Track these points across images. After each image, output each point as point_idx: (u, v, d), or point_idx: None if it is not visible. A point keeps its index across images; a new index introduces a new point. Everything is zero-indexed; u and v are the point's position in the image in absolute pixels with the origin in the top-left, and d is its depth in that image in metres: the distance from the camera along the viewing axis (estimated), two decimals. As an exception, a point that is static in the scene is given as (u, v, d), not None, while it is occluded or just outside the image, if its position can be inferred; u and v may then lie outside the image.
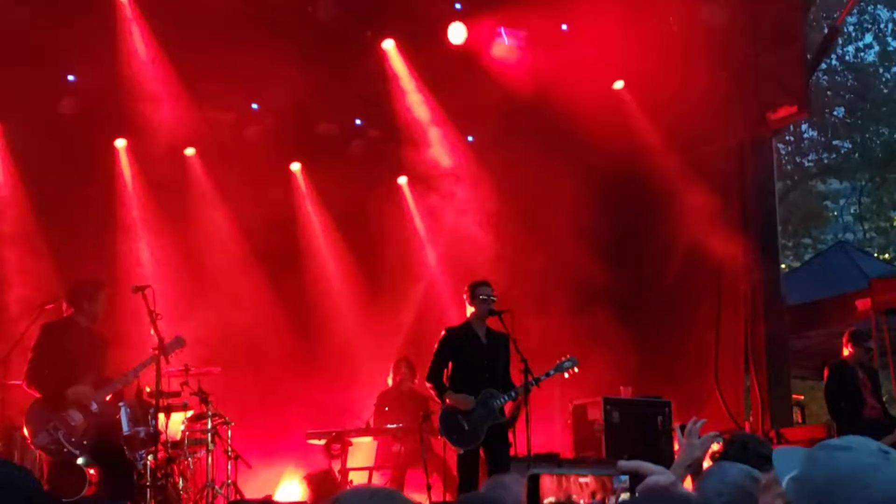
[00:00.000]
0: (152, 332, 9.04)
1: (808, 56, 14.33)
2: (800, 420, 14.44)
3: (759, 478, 3.47)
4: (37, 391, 9.01)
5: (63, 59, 12.22)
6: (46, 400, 8.98)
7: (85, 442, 8.95)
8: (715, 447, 4.07)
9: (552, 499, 2.24)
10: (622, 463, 2.20)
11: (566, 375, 10.34)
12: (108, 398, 9.28)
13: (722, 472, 3.62)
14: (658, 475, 2.24)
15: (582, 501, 2.24)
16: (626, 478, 2.17)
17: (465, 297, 10.20)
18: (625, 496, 2.21)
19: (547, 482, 2.20)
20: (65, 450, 8.90)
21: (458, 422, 9.82)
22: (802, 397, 15.36)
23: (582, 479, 2.23)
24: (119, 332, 10.64)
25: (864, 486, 2.16)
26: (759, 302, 13.73)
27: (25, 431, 9.08)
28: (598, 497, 2.24)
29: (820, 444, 2.38)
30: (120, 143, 13.54)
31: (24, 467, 2.42)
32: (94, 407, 9.02)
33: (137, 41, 12.33)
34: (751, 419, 13.61)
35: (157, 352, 9.09)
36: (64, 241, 12.00)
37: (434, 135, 14.06)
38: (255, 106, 13.74)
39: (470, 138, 14.59)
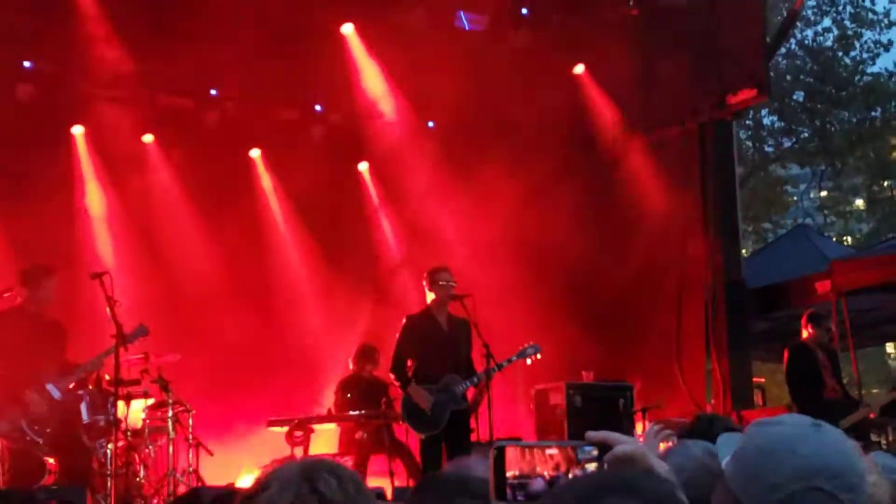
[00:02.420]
0: (111, 318, 8.93)
1: (768, 39, 14.39)
2: (761, 402, 14.55)
3: (717, 453, 3.48)
4: None
5: (19, 46, 12.08)
6: (3, 394, 8.87)
7: (48, 430, 8.86)
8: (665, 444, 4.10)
9: (516, 471, 2.21)
10: (590, 434, 2.19)
11: (528, 362, 10.34)
12: (70, 386, 9.16)
13: (684, 449, 3.63)
14: (626, 444, 2.23)
15: (546, 473, 2.22)
16: (591, 448, 2.16)
17: (424, 283, 10.16)
18: (591, 466, 2.19)
19: (511, 455, 2.18)
20: (27, 437, 8.80)
21: (420, 408, 9.80)
22: (763, 380, 15.48)
23: (548, 451, 2.20)
24: (77, 319, 10.54)
25: (792, 453, 2.17)
26: (721, 285, 13.80)
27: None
28: (563, 469, 2.22)
29: (754, 421, 2.38)
30: (77, 130, 13.41)
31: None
32: (57, 395, 8.92)
33: (93, 26, 12.19)
34: (712, 402, 13.69)
35: (116, 339, 8.99)
36: (21, 228, 11.87)
37: (394, 120, 14.01)
38: (213, 92, 13.64)
39: (430, 124, 14.56)
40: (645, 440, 4.02)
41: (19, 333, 8.98)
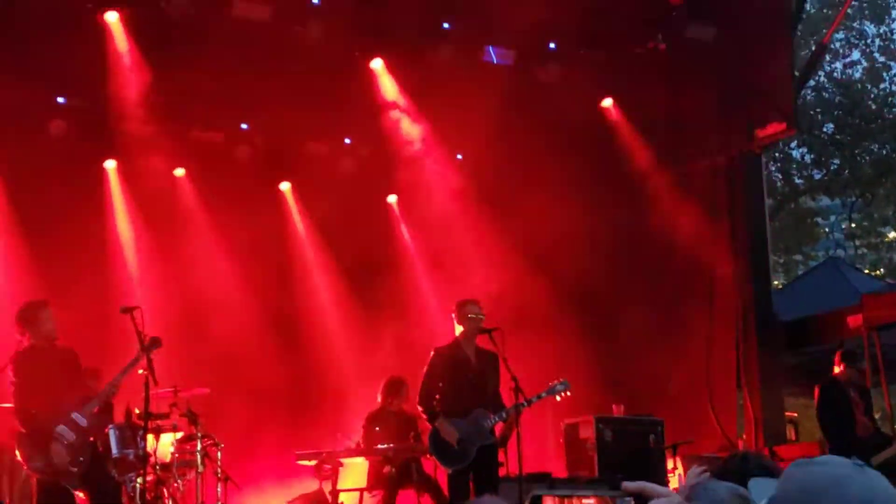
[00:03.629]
0: (141, 352, 8.93)
1: (796, 73, 14.38)
2: (793, 437, 14.43)
3: (747, 496, 3.43)
4: (23, 428, 8.90)
5: (53, 81, 12.21)
6: (34, 436, 8.86)
7: (81, 458, 8.85)
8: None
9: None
10: (626, 484, 2.17)
11: (558, 399, 10.30)
12: (95, 410, 9.13)
13: (710, 490, 3.56)
14: (663, 497, 2.21)
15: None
16: (629, 499, 2.14)
17: (453, 315, 10.16)
18: None
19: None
20: (60, 470, 8.80)
21: (448, 442, 9.78)
22: (796, 414, 15.35)
23: (586, 501, 2.19)
24: (108, 352, 10.57)
25: (839, 496, 2.16)
26: (751, 319, 13.73)
27: (19, 456, 8.96)
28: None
29: (795, 461, 2.37)
30: (109, 165, 13.53)
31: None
32: (83, 422, 8.91)
33: (126, 63, 12.31)
34: (744, 437, 13.58)
35: (139, 364, 8.95)
36: (54, 263, 11.95)
37: (423, 153, 14.06)
38: (244, 126, 13.74)
39: (459, 156, 14.60)
40: (686, 482, 3.98)
41: (37, 371, 8.97)
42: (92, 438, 9.06)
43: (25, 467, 8.96)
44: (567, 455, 12.12)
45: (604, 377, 13.08)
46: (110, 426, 9.64)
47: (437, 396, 9.98)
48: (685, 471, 11.52)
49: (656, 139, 13.97)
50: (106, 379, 9.46)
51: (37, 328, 9.11)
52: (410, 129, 13.87)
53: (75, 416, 8.87)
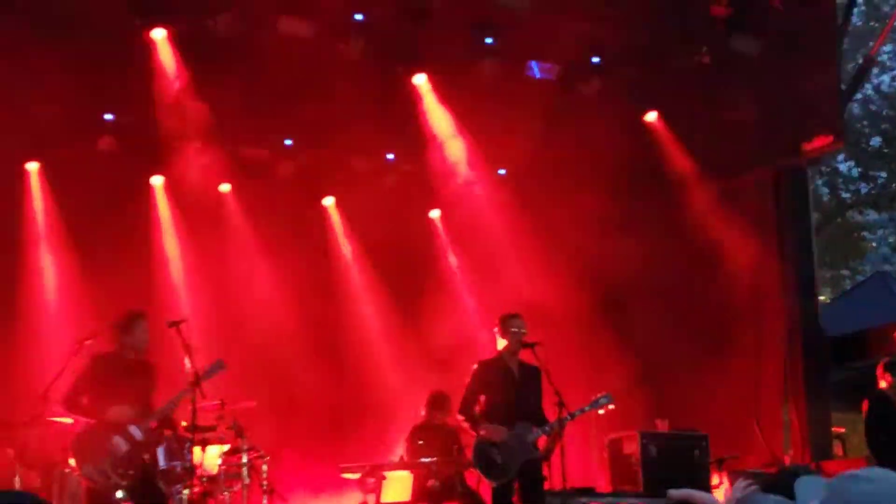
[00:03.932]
0: (188, 365, 9.02)
1: (843, 85, 14.27)
2: (841, 453, 14.28)
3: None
4: (73, 415, 9.02)
5: (101, 98, 12.36)
6: (90, 436, 8.96)
7: (130, 472, 8.91)
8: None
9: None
10: (672, 492, 2.19)
11: (601, 412, 10.27)
12: (152, 425, 9.20)
13: (757, 503, 3.55)
14: None
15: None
16: None
17: (496, 329, 10.17)
18: None
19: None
20: (111, 480, 8.87)
21: (492, 455, 9.79)
22: (844, 430, 15.19)
23: None
24: (155, 365, 10.67)
25: None
26: (798, 334, 13.63)
27: (72, 461, 9.05)
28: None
29: (840, 475, 2.36)
30: (156, 181, 13.68)
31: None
32: (139, 436, 8.98)
33: (173, 79, 12.44)
34: (790, 452, 13.47)
35: (193, 385, 9.06)
36: (102, 277, 12.09)
37: (466, 168, 14.09)
38: (288, 142, 13.84)
39: (502, 171, 14.61)
40: (732, 495, 3.96)
41: (111, 378, 9.09)
42: (145, 454, 9.13)
43: (77, 472, 9.04)
44: (611, 470, 12.08)
45: (648, 392, 13.02)
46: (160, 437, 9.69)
47: (477, 407, 9.99)
48: (730, 486, 11.44)
49: (701, 153, 13.91)
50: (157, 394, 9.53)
51: (129, 337, 9.25)
52: (453, 144, 13.91)
53: (132, 428, 8.95)
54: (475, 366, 10.20)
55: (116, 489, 8.83)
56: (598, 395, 10.10)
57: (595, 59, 13.29)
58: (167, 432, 9.63)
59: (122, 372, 9.20)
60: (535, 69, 13.21)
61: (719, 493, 11.54)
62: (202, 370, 9.05)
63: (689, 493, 2.23)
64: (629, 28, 12.76)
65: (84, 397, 9.05)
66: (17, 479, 10.19)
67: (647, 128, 14.16)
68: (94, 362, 9.19)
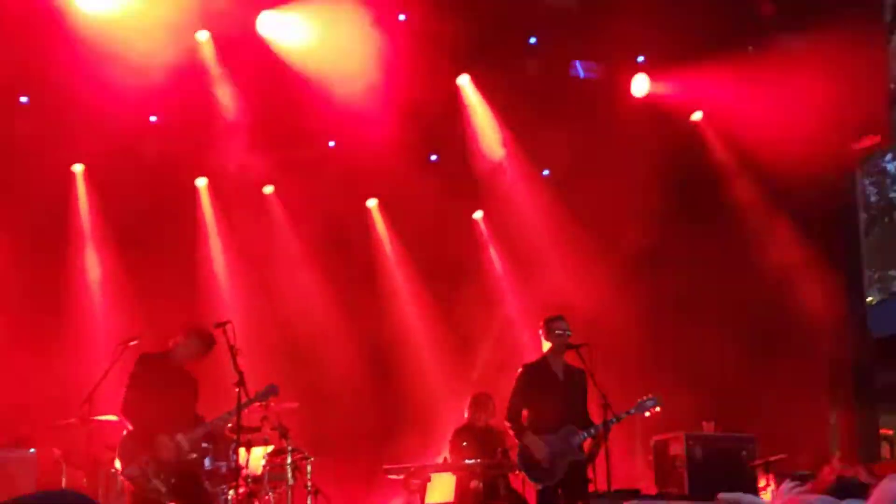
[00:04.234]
0: (233, 367, 9.02)
1: (892, 84, 14.11)
2: (888, 455, 14.12)
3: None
4: (130, 424, 9.04)
5: (145, 101, 12.43)
6: (137, 436, 8.99)
7: (172, 480, 8.94)
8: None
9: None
10: (723, 495, 2.14)
11: (647, 415, 10.18)
12: (199, 437, 9.21)
13: (805, 505, 3.48)
14: None
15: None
16: None
17: (540, 331, 10.11)
18: None
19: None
20: (151, 484, 8.90)
21: (537, 458, 9.73)
22: (891, 432, 15.03)
23: None
24: (200, 368, 10.70)
25: None
26: (845, 335, 13.48)
27: (117, 462, 9.08)
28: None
29: (890, 475, 2.31)
30: (201, 182, 13.75)
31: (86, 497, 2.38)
32: (186, 447, 9.01)
33: (216, 82, 12.51)
34: (837, 454, 13.33)
35: (238, 387, 9.05)
36: (147, 279, 12.17)
37: (509, 169, 14.06)
38: (331, 143, 13.86)
39: (546, 172, 14.56)
40: (779, 497, 3.90)
41: (160, 378, 9.13)
42: (190, 466, 9.14)
43: (121, 474, 9.07)
44: (656, 472, 11.99)
45: (693, 393, 12.93)
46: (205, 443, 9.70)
47: (525, 413, 9.95)
48: (777, 488, 11.33)
49: (747, 153, 13.80)
50: (202, 397, 9.54)
51: (187, 347, 9.27)
52: (496, 144, 13.89)
53: (180, 437, 8.97)
54: (519, 369, 10.14)
55: (156, 493, 8.85)
56: (645, 398, 10.01)
57: (640, 58, 13.21)
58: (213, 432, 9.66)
59: (173, 377, 9.22)
60: (580, 69, 13.15)
61: (766, 495, 11.43)
62: (243, 380, 9.02)
63: (738, 497, 2.19)
64: (675, 26, 12.68)
65: (143, 405, 9.02)
66: (63, 479, 10.28)
67: (693, 127, 14.06)
68: (144, 363, 9.19)
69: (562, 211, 14.01)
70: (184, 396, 9.28)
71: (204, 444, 9.40)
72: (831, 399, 13.50)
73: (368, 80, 12.36)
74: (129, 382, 9.10)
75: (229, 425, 9.61)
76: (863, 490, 4.20)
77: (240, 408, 9.07)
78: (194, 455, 9.10)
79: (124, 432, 9.07)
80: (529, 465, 9.79)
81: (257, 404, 10.39)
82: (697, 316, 13.84)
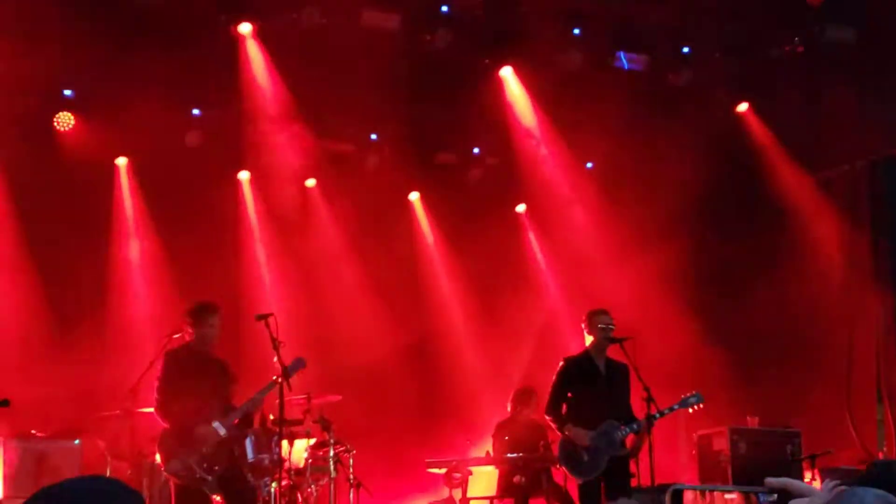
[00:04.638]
0: (275, 359, 9.01)
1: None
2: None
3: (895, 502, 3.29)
4: (166, 423, 9.05)
5: (188, 94, 12.48)
6: (175, 433, 9.00)
7: (216, 467, 8.95)
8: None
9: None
10: (770, 480, 2.10)
11: (690, 411, 10.10)
12: (234, 422, 9.21)
13: (854, 498, 3.41)
14: (805, 499, 2.11)
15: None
16: (771, 497, 2.06)
17: (583, 325, 10.05)
18: None
19: (689, 498, 2.09)
20: (196, 475, 8.89)
21: (578, 452, 9.68)
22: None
23: (728, 496, 2.12)
24: (242, 360, 10.75)
25: None
26: (892, 329, 13.31)
27: (158, 458, 9.12)
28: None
29: None
30: (243, 176, 13.79)
31: (126, 486, 2.36)
32: (223, 432, 9.01)
33: (259, 75, 12.54)
34: (884, 450, 13.17)
35: (280, 380, 9.05)
36: (190, 272, 12.21)
37: (552, 162, 14.01)
38: (373, 137, 13.85)
39: (589, 164, 14.48)
40: (821, 496, 3.82)
41: (188, 371, 9.13)
42: (230, 449, 9.15)
43: (164, 469, 9.10)
44: (700, 466, 11.90)
45: (737, 387, 12.82)
46: (247, 430, 9.71)
47: (565, 405, 9.89)
48: (822, 483, 11.21)
49: (794, 144, 13.67)
50: (243, 388, 9.54)
51: (200, 329, 9.24)
52: (540, 137, 13.84)
53: (216, 424, 8.97)
54: (561, 363, 10.09)
55: (202, 484, 8.87)
56: (688, 394, 9.93)
57: (685, 50, 13.10)
58: (255, 425, 9.67)
59: (201, 367, 9.21)
60: (624, 60, 13.04)
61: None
62: (286, 372, 8.99)
63: (786, 482, 2.14)
64: (720, 17, 12.56)
65: (175, 403, 9.04)
66: (107, 471, 10.36)
67: (738, 119, 13.94)
68: (171, 360, 9.18)
69: (605, 204, 13.94)
70: (216, 385, 9.23)
71: (246, 430, 9.39)
72: (878, 393, 13.32)
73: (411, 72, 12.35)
74: (159, 381, 9.09)
75: (271, 417, 9.63)
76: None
77: (281, 399, 9.08)
78: (227, 436, 9.05)
79: (163, 429, 9.07)
80: (571, 458, 9.74)
81: (300, 397, 10.44)
82: (742, 310, 13.73)
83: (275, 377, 9.00)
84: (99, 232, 12.85)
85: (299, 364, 9.17)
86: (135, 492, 2.29)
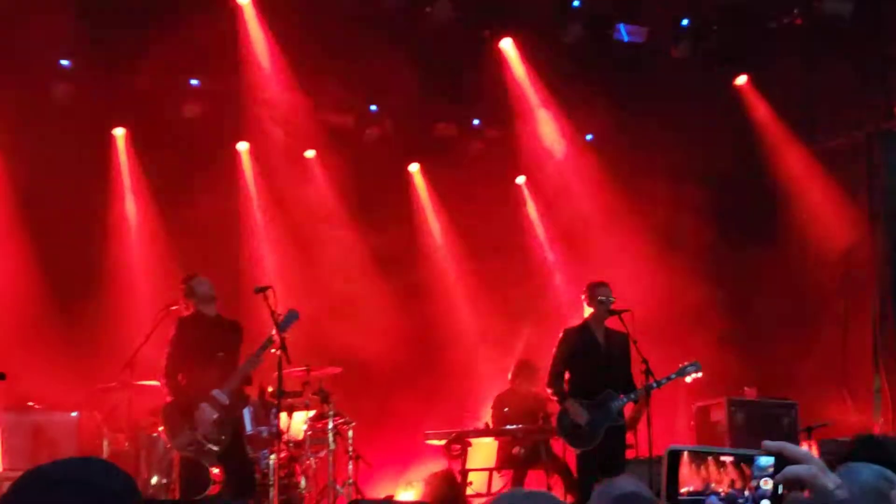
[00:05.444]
0: (274, 332, 9.01)
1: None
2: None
3: (894, 480, 3.32)
4: (170, 393, 9.05)
5: (186, 65, 12.43)
6: (179, 405, 9.01)
7: (223, 437, 8.96)
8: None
9: (690, 487, 2.16)
10: (767, 443, 2.11)
11: (688, 380, 10.13)
12: (234, 387, 9.17)
13: (852, 473, 3.42)
14: (800, 466, 2.12)
15: (721, 490, 2.15)
16: (767, 465, 2.08)
17: (583, 297, 10.07)
18: (765, 483, 2.11)
19: (685, 470, 2.11)
20: (205, 448, 8.93)
21: (576, 423, 9.71)
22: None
23: (724, 458, 2.14)
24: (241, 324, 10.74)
25: None
26: (889, 300, 13.34)
27: (164, 431, 9.11)
28: (738, 485, 2.16)
29: None
30: (242, 147, 13.76)
31: (115, 467, 2.38)
32: (224, 399, 9.01)
33: (258, 46, 12.51)
34: (880, 420, 13.22)
35: (276, 346, 9.00)
36: (189, 244, 12.20)
37: (553, 134, 13.99)
38: (373, 108, 13.83)
39: (589, 136, 14.46)
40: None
41: (192, 339, 9.14)
42: (234, 415, 9.16)
43: (169, 444, 9.11)
44: (698, 437, 11.96)
45: (735, 359, 12.85)
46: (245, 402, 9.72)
47: (566, 377, 9.92)
48: (819, 454, 11.26)
49: (792, 117, 13.67)
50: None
51: (194, 297, 9.27)
52: (539, 109, 13.82)
53: (216, 393, 8.98)
54: (561, 334, 10.11)
55: (210, 456, 8.88)
56: (686, 363, 9.97)
57: (685, 22, 13.07)
58: (253, 397, 9.69)
59: (208, 333, 9.22)
60: (623, 32, 13.01)
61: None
62: (284, 344, 8.98)
63: (782, 446, 2.16)
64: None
65: (179, 373, 9.06)
66: (105, 443, 10.37)
67: (737, 91, 13.93)
68: (180, 326, 9.23)
69: (605, 175, 13.93)
70: (220, 349, 9.22)
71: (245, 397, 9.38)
72: (875, 364, 13.36)
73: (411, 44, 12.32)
74: (169, 348, 9.12)
75: (270, 389, 9.65)
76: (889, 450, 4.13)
77: (280, 372, 9.08)
78: (228, 402, 9.05)
79: (165, 403, 9.07)
80: (568, 430, 9.77)
81: (300, 369, 10.44)
82: (740, 282, 13.76)
83: (273, 332, 8.95)
84: (95, 205, 12.81)
85: (293, 316, 9.12)
86: (128, 477, 2.30)
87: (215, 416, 8.92)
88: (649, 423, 9.49)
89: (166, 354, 9.11)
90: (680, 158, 13.35)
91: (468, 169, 13.91)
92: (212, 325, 9.29)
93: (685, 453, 2.19)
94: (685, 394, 12.35)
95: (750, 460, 2.16)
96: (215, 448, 8.90)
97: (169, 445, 9.22)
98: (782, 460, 2.13)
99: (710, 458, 2.19)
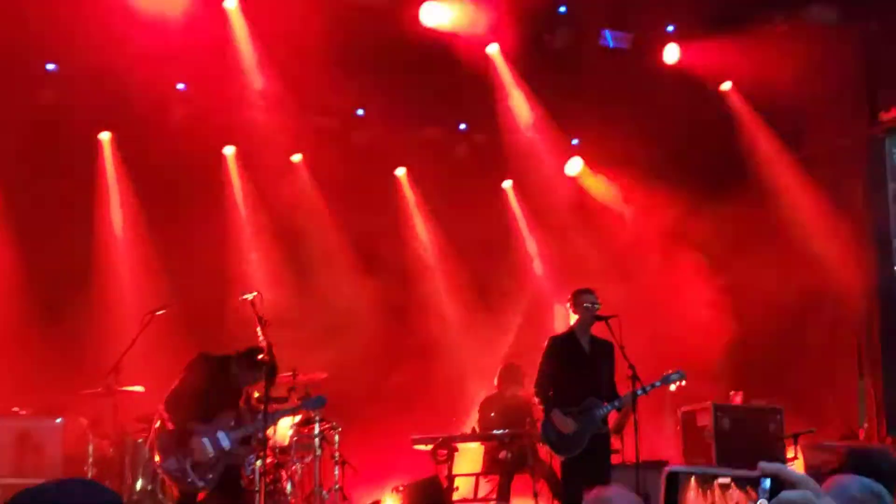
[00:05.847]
0: (261, 338, 8.98)
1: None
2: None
3: (882, 493, 3.32)
4: (170, 420, 8.97)
5: (172, 69, 12.40)
6: (175, 433, 8.94)
7: (210, 476, 8.91)
8: None
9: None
10: (764, 465, 2.09)
11: (672, 388, 10.15)
12: (240, 437, 9.14)
13: (840, 487, 3.43)
14: (794, 492, 2.11)
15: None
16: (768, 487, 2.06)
17: (568, 304, 10.08)
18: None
19: (691, 494, 2.09)
20: (188, 479, 8.86)
21: (560, 429, 9.71)
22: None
23: (722, 480, 2.11)
24: (226, 337, 10.72)
25: None
26: (874, 305, 13.38)
27: (156, 455, 9.04)
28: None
29: None
30: (228, 151, 13.73)
31: (99, 486, 2.38)
32: (227, 445, 8.97)
33: (245, 49, 12.47)
34: (866, 426, 13.25)
35: (266, 360, 8.97)
36: (174, 249, 12.17)
37: (538, 138, 14.00)
38: (360, 112, 13.81)
39: (575, 141, 14.48)
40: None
41: (213, 383, 9.06)
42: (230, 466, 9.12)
43: (158, 465, 9.03)
44: (684, 443, 11.97)
45: (721, 364, 12.87)
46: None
47: (551, 386, 9.91)
48: (805, 460, 11.31)
49: (777, 123, 13.70)
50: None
51: (245, 372, 9.22)
52: (525, 113, 13.82)
53: (221, 435, 8.93)
54: (547, 341, 10.11)
55: (193, 488, 8.81)
56: (670, 372, 9.97)
57: (670, 28, 13.10)
58: (240, 403, 9.65)
59: (225, 386, 9.18)
60: (609, 38, 13.03)
61: (796, 467, 11.38)
62: (270, 351, 8.94)
63: (779, 469, 2.14)
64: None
65: (183, 411, 8.97)
66: (90, 448, 10.32)
67: (722, 97, 13.96)
68: (203, 366, 9.12)
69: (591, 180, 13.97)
70: (232, 401, 9.22)
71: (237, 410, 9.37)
72: (860, 370, 13.40)
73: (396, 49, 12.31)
74: (182, 378, 9.03)
75: (256, 394, 9.61)
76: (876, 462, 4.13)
77: (267, 378, 9.05)
78: (230, 449, 9.03)
79: (158, 424, 9.00)
80: (553, 437, 9.77)
81: (286, 374, 10.41)
82: (725, 287, 13.77)
83: (296, 408, 8.98)
84: (82, 208, 12.77)
85: (318, 402, 9.28)
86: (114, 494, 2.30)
87: (211, 454, 8.87)
88: (636, 428, 9.49)
89: (174, 389, 8.97)
90: (669, 163, 13.37)
91: (455, 172, 13.91)
92: (229, 381, 9.24)
93: (692, 478, 2.18)
94: (671, 399, 12.35)
95: (756, 483, 2.14)
96: (199, 483, 8.84)
97: (157, 465, 9.13)
98: (778, 483, 2.12)
99: (716, 482, 2.17)
